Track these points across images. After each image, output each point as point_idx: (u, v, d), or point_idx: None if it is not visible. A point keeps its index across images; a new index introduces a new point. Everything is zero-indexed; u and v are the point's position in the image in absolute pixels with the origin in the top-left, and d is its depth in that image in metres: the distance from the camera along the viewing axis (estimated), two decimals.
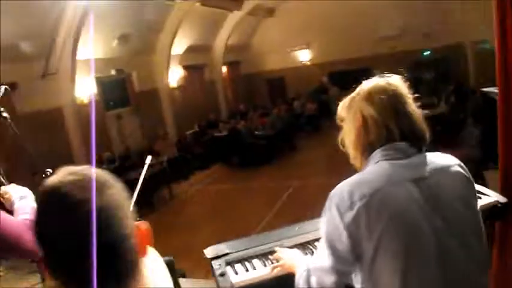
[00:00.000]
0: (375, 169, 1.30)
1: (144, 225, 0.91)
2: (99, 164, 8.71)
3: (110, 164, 8.90)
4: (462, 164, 1.36)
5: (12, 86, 7.27)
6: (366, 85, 1.37)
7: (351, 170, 1.38)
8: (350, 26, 13.29)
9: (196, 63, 13.54)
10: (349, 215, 1.21)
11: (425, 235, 1.20)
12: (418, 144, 1.31)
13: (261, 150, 10.53)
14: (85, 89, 8.78)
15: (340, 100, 1.45)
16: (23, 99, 7.25)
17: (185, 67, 12.88)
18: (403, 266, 1.18)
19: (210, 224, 6.72)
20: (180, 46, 12.24)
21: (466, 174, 1.34)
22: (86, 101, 8.79)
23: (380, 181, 1.24)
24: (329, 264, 1.27)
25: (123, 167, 9.08)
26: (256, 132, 11.49)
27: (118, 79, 10.59)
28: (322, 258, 1.31)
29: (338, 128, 1.44)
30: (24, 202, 1.70)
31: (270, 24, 15.60)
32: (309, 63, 15.77)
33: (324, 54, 14.88)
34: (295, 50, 15.76)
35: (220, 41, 14.41)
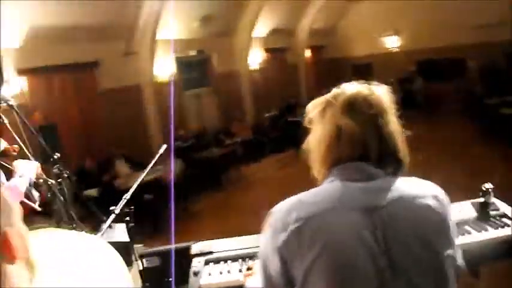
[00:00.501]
0: (325, 188, 1.16)
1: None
2: (174, 141, 9.06)
3: (184, 142, 9.22)
4: (441, 196, 1.14)
5: (95, 64, 7.82)
6: (346, 91, 1.20)
7: None
8: (444, 12, 12.33)
9: (278, 46, 13.46)
10: (282, 237, 1.08)
11: (364, 274, 1.03)
12: (390, 166, 1.15)
13: None
14: (165, 68, 9.13)
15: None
16: (105, 76, 7.74)
17: (267, 50, 12.86)
18: None
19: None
20: (262, 29, 12.22)
21: (439, 209, 1.11)
22: (164, 80, 9.13)
23: (323, 204, 1.09)
24: (262, 286, 1.16)
25: (198, 145, 9.38)
26: None
27: (198, 60, 10.87)
28: (256, 278, 1.20)
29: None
30: (14, 180, 1.81)
31: (358, 9, 14.98)
32: (397, 49, 14.96)
33: (413, 42, 13.98)
34: (384, 36, 15.01)
35: (305, 24, 14.16)
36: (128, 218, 2.33)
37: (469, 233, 1.98)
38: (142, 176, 2.38)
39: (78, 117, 7.73)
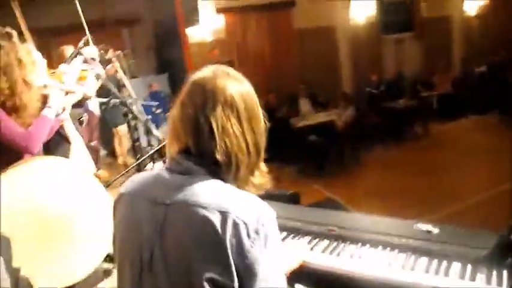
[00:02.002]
0: (150, 173, 1.23)
1: None
2: (364, 87, 8.88)
3: (374, 88, 8.93)
4: (234, 215, 0.99)
5: (292, 3, 8.01)
6: (195, 73, 1.17)
7: None
8: None
9: None
10: None
11: (131, 258, 1.10)
12: (209, 166, 1.08)
13: None
14: (363, 10, 8.79)
15: None
16: (300, 16, 7.89)
17: None
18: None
19: (445, 176, 6.13)
20: None
21: (217, 226, 0.98)
22: (361, 22, 8.83)
23: (132, 186, 1.19)
24: None
25: (388, 94, 8.98)
26: None
27: (401, 2, 10.07)
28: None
29: None
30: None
31: None
32: None
33: None
34: None
35: None
36: None
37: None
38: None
39: (270, 55, 8.17)
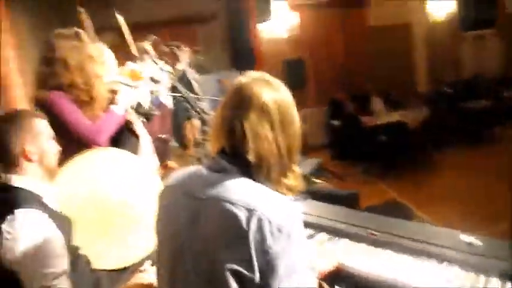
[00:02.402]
0: (189, 169, 1.31)
1: None
2: (441, 86, 8.51)
3: (451, 88, 8.52)
4: (262, 213, 1.05)
5: (366, 0, 7.83)
6: (237, 79, 1.24)
7: None
8: None
9: None
10: None
11: (168, 246, 1.22)
12: (241, 165, 1.15)
13: None
14: (441, 6, 8.39)
15: None
16: (375, 13, 7.70)
17: None
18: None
19: None
20: None
21: (243, 222, 1.05)
22: (439, 19, 8.45)
23: (173, 180, 1.31)
24: None
25: (466, 94, 8.51)
26: None
27: None
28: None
29: None
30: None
31: None
32: None
33: None
34: None
35: None
36: None
37: None
38: None
39: (344, 52, 8.07)
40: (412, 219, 3.37)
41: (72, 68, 2.37)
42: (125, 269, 1.99)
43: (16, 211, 1.57)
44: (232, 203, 1.09)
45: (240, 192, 1.11)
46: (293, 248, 1.06)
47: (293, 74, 7.20)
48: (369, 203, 4.14)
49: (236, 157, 1.16)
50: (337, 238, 2.02)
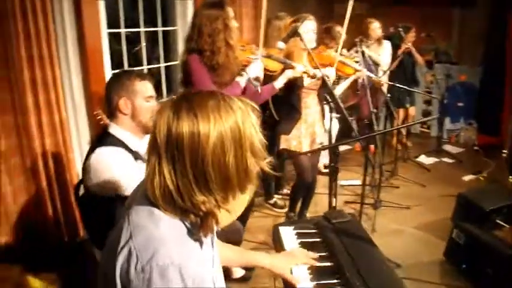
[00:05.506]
0: None
1: None
2: None
3: None
4: (131, 238, 0.98)
5: None
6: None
7: None
8: None
9: None
10: None
11: None
12: None
13: None
14: None
15: None
16: None
17: None
18: None
19: None
20: None
21: (118, 243, 0.99)
22: None
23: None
24: None
25: None
26: None
27: None
28: None
29: None
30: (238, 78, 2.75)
31: None
32: None
33: None
34: None
35: None
36: None
37: None
38: None
39: None
40: None
41: (204, 35, 2.59)
42: None
43: (103, 147, 1.90)
44: (129, 221, 1.07)
45: (143, 214, 1.07)
46: None
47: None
48: None
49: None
50: None
